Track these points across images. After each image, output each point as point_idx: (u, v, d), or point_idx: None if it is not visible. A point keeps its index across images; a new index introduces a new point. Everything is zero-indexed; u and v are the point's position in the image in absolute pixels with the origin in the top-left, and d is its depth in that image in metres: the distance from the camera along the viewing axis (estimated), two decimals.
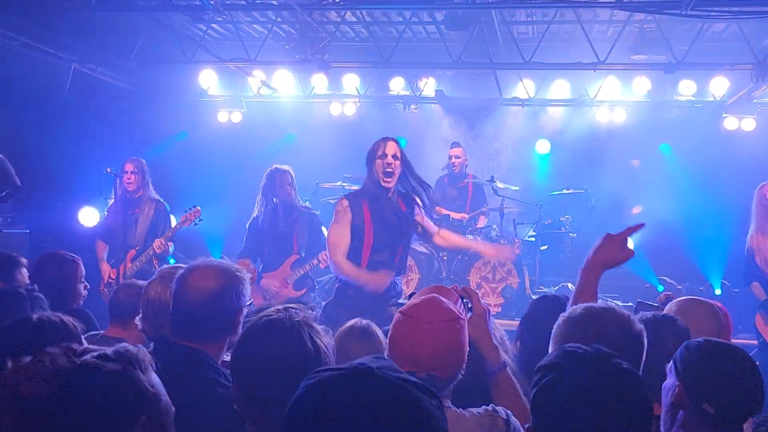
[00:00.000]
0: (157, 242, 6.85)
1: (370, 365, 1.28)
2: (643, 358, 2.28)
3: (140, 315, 3.04)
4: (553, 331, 2.35)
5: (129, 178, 7.07)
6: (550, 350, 2.22)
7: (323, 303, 5.26)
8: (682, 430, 2.24)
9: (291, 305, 2.17)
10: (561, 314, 2.38)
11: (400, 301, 4.76)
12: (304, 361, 1.96)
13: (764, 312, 6.26)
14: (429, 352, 2.21)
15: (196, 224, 6.95)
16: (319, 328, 2.12)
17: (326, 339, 2.11)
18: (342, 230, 4.92)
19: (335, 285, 5.15)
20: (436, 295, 2.39)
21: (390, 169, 4.88)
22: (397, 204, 5.05)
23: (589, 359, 1.74)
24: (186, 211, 6.93)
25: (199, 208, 6.89)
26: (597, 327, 2.24)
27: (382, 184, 4.91)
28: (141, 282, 4.11)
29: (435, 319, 2.25)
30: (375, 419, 1.20)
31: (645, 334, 2.32)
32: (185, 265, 2.70)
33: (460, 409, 2.31)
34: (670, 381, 2.31)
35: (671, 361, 2.33)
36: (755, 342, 6.45)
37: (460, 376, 2.31)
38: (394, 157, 4.92)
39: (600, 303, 2.39)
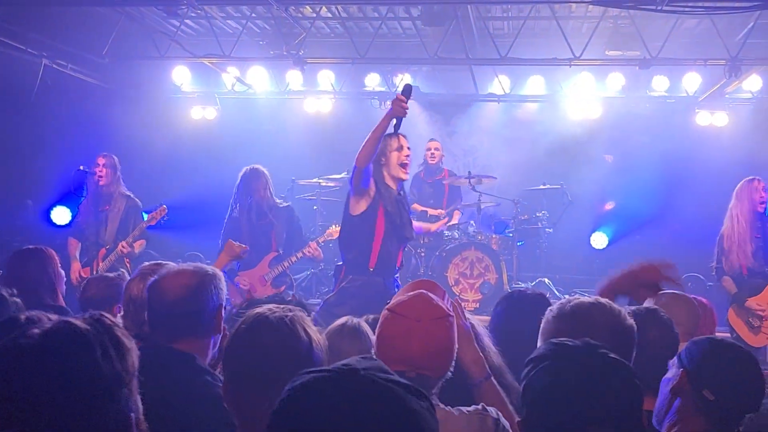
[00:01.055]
0: (121, 244, 6.75)
1: (356, 366, 1.25)
2: (634, 352, 2.28)
3: (121, 312, 2.99)
4: (541, 327, 2.33)
5: (101, 171, 6.98)
6: (538, 346, 2.20)
7: (323, 300, 5.33)
8: (676, 416, 2.25)
9: (286, 306, 2.15)
10: (549, 309, 2.36)
11: None
12: (297, 348, 1.94)
13: (736, 305, 6.33)
14: (419, 351, 2.16)
15: (161, 223, 6.85)
16: (311, 324, 2.09)
17: (318, 335, 2.08)
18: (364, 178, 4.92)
19: (340, 284, 5.11)
20: (424, 291, 2.33)
21: (408, 161, 5.04)
22: (404, 198, 5.16)
23: (578, 351, 1.73)
24: (151, 210, 6.86)
25: (165, 206, 6.80)
26: (586, 322, 2.22)
27: (402, 176, 5.04)
28: (110, 274, 4.06)
29: (424, 317, 2.20)
30: (360, 422, 1.17)
31: (635, 329, 2.31)
32: (166, 262, 2.67)
33: (449, 407, 2.28)
34: (672, 372, 2.33)
35: (676, 356, 2.35)
36: (729, 335, 6.51)
37: (450, 374, 2.27)
38: (409, 148, 5.08)
39: (590, 298, 2.38)
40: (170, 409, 2.24)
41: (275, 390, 1.86)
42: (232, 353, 2.02)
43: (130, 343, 1.40)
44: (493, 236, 8.72)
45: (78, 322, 1.34)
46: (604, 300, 2.35)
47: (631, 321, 2.32)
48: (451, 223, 8.83)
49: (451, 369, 2.28)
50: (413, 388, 1.27)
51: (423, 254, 8.51)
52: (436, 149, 9.06)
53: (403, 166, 4.98)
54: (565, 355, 1.73)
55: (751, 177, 6.47)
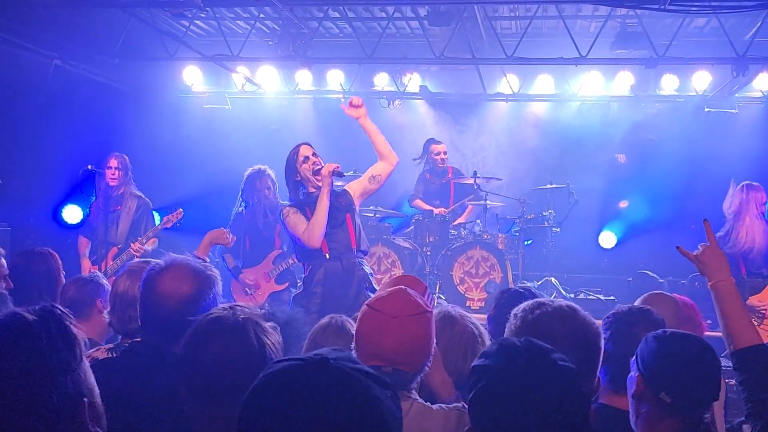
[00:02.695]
0: (134, 245, 6.81)
1: (326, 356, 1.30)
2: (600, 355, 2.23)
3: (108, 308, 3.04)
4: (506, 328, 2.31)
5: (113, 174, 7.04)
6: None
7: (292, 296, 5.42)
8: (645, 422, 2.24)
9: (238, 304, 2.17)
10: (513, 314, 2.32)
11: (374, 284, 5.26)
12: (248, 359, 1.96)
13: None
14: (394, 346, 2.19)
15: (177, 225, 6.94)
16: (266, 325, 2.11)
17: (273, 336, 2.11)
18: (298, 218, 5.09)
19: (303, 275, 5.32)
20: (403, 287, 2.36)
21: (318, 167, 5.09)
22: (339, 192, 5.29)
23: (520, 356, 1.67)
24: (168, 213, 6.92)
25: (181, 210, 6.88)
26: (548, 335, 2.13)
27: (317, 183, 5.08)
28: (84, 275, 4.14)
29: (401, 313, 2.23)
30: (326, 408, 1.22)
31: (600, 335, 2.27)
32: (153, 260, 2.69)
33: (428, 403, 2.32)
34: (633, 373, 2.30)
35: (635, 354, 2.33)
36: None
37: (427, 368, 2.30)
38: (314, 154, 5.15)
39: (557, 304, 2.30)
40: (159, 409, 2.32)
41: (228, 391, 1.93)
42: (186, 354, 2.05)
43: (79, 333, 1.46)
44: (499, 235, 8.73)
45: (26, 314, 1.41)
46: (567, 306, 2.28)
47: (596, 328, 2.26)
48: (465, 216, 8.89)
49: (429, 363, 2.30)
50: (377, 377, 1.32)
51: (429, 253, 8.54)
52: (445, 153, 9.09)
53: (315, 173, 5.09)
54: (506, 363, 1.67)
55: (752, 182, 6.46)
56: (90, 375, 1.51)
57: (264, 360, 1.98)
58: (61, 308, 1.47)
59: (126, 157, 7.22)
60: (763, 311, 6.10)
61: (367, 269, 5.32)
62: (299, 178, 5.14)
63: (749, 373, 2.46)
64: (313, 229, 4.99)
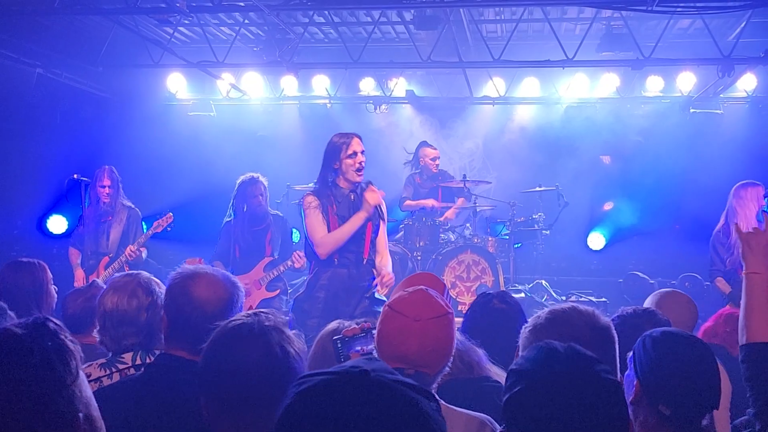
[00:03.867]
0: (128, 249, 6.77)
1: (365, 368, 1.24)
2: (617, 352, 2.21)
3: (97, 328, 2.95)
4: (520, 340, 2.26)
5: (108, 192, 7.00)
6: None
7: (293, 298, 5.27)
8: (641, 428, 2.19)
9: (262, 310, 2.12)
10: (525, 326, 2.28)
11: (375, 295, 5.03)
12: (271, 366, 1.91)
13: (733, 304, 6.27)
14: (417, 350, 2.16)
15: (167, 230, 6.88)
16: (290, 333, 2.07)
17: (298, 344, 2.06)
18: (317, 219, 4.94)
19: (307, 278, 5.20)
20: (423, 287, 2.32)
21: (362, 166, 4.95)
22: (355, 199, 5.05)
23: (562, 363, 1.62)
24: (158, 218, 6.88)
25: (171, 214, 6.84)
26: (565, 329, 2.14)
27: (354, 180, 4.95)
28: (83, 288, 4.04)
29: (424, 316, 2.19)
30: (373, 424, 1.16)
31: (612, 327, 2.24)
32: (134, 272, 2.63)
33: (451, 405, 2.29)
34: (631, 374, 2.26)
35: (631, 351, 2.28)
36: None
37: (447, 369, 2.27)
38: (363, 152, 4.97)
39: (562, 305, 2.29)
40: (180, 422, 2.23)
41: (250, 400, 1.87)
42: (208, 361, 2.00)
43: (75, 347, 1.40)
44: (490, 239, 8.71)
45: (16, 329, 1.34)
46: (579, 305, 2.26)
47: (606, 320, 2.24)
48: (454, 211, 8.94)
49: (449, 364, 2.27)
50: (423, 390, 1.26)
51: (419, 257, 8.51)
52: (439, 157, 9.08)
53: (358, 171, 4.94)
54: (549, 371, 1.61)
55: (752, 181, 6.34)
56: (86, 388, 1.44)
57: (287, 368, 1.93)
58: (55, 321, 1.40)
59: (115, 169, 7.16)
60: None
61: (373, 282, 5.11)
62: (337, 167, 4.95)
63: (757, 368, 2.43)
64: (330, 245, 4.89)
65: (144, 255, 6.96)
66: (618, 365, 2.22)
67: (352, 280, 4.97)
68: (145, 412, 1.49)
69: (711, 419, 2.51)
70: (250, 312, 2.10)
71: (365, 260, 5.05)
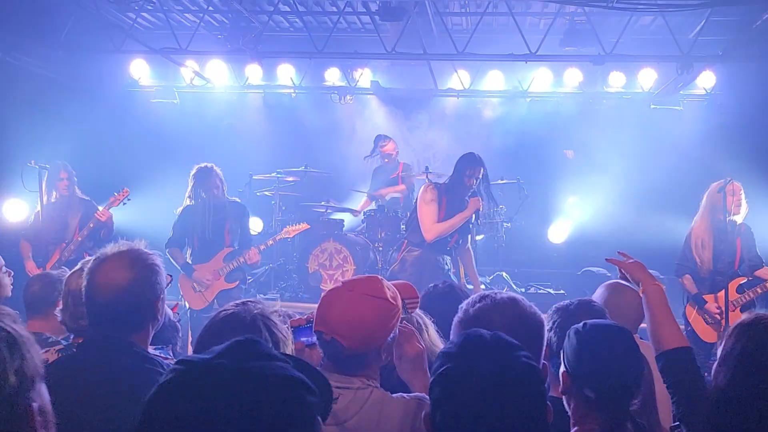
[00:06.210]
0: (97, 213, 6.83)
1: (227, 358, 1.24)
2: (543, 341, 2.30)
3: (60, 306, 2.95)
4: (453, 323, 2.34)
5: (66, 185, 7.13)
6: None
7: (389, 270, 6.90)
8: (574, 417, 2.26)
9: (250, 299, 2.27)
10: (459, 308, 2.35)
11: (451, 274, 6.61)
12: None
13: (695, 305, 6.34)
14: (337, 316, 2.24)
15: (124, 203, 6.94)
16: (276, 319, 2.21)
17: (283, 329, 2.22)
18: (432, 210, 6.47)
19: (401, 254, 6.77)
20: (380, 277, 2.40)
21: (475, 187, 6.50)
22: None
23: (486, 347, 1.70)
24: (114, 194, 6.91)
25: (127, 189, 6.93)
26: (484, 319, 2.22)
27: (466, 195, 6.52)
28: (54, 272, 4.01)
29: (358, 289, 2.28)
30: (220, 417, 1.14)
31: (543, 325, 2.32)
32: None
33: (388, 393, 2.32)
34: (562, 368, 2.33)
35: (562, 348, 2.36)
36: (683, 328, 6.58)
37: (371, 353, 2.29)
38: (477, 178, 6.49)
39: (500, 295, 2.34)
40: (112, 398, 2.32)
41: None
42: (200, 351, 2.05)
43: (29, 340, 1.39)
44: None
45: None
46: (508, 298, 2.31)
47: (538, 319, 2.30)
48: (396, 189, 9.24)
49: (379, 350, 2.30)
50: (291, 379, 1.23)
51: (380, 248, 8.53)
52: (394, 149, 9.26)
53: (472, 193, 6.59)
54: (476, 355, 1.68)
55: (728, 178, 6.37)
56: (40, 378, 1.44)
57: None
58: (8, 311, 1.39)
59: (68, 165, 7.23)
60: (717, 316, 6.15)
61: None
62: (463, 183, 6.43)
63: (674, 375, 2.52)
64: (437, 232, 6.45)
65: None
66: (543, 353, 2.30)
67: (437, 264, 6.53)
68: (64, 395, 1.50)
69: (651, 409, 2.57)
70: (238, 302, 2.23)
71: (449, 249, 6.69)
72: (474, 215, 6.58)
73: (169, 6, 9.05)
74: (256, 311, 2.20)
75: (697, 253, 6.33)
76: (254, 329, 2.12)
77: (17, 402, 1.31)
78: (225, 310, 2.21)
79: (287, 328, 2.30)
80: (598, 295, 3.47)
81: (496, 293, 2.34)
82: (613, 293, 3.44)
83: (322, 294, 2.38)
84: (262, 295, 8.78)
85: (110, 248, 2.58)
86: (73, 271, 3.03)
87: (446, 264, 6.61)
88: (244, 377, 1.18)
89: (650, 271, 2.86)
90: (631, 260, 2.90)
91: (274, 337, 2.15)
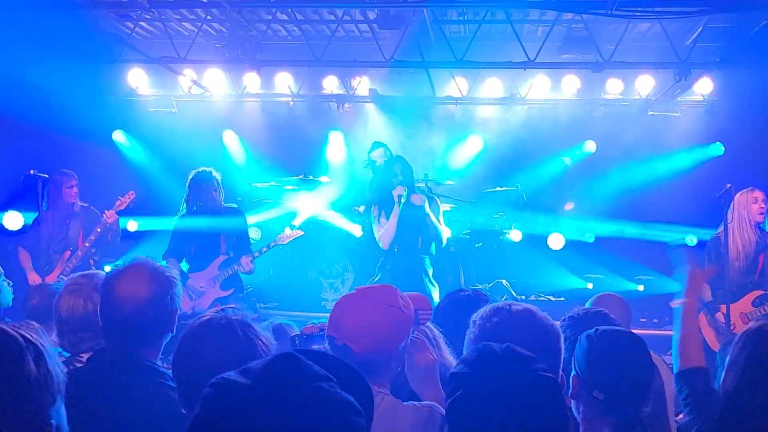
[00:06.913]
0: (105, 214, 6.84)
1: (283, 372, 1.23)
2: (561, 351, 2.23)
3: (55, 332, 2.91)
4: (466, 336, 2.29)
5: (75, 192, 7.13)
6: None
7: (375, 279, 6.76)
8: (584, 422, 2.26)
9: (230, 305, 2.30)
10: (473, 320, 2.30)
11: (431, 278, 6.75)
12: (238, 357, 1.98)
13: (707, 313, 6.25)
14: (350, 322, 2.27)
15: (130, 207, 6.98)
16: (256, 326, 2.21)
17: (264, 336, 2.21)
18: (377, 227, 6.86)
19: (378, 264, 6.91)
20: (394, 286, 2.42)
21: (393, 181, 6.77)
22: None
23: (500, 364, 1.66)
24: (119, 197, 6.95)
25: (132, 192, 6.97)
26: (502, 335, 2.12)
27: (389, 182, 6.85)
28: (51, 283, 3.99)
29: (371, 297, 2.31)
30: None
31: (559, 334, 2.25)
32: (91, 273, 2.64)
33: (399, 400, 2.32)
34: (572, 372, 2.33)
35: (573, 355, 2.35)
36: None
37: (380, 361, 2.28)
38: None
39: (513, 306, 2.28)
40: (125, 414, 2.31)
41: None
42: (180, 357, 2.13)
43: (55, 357, 1.38)
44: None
45: (8, 328, 1.32)
46: (524, 310, 2.26)
47: (556, 331, 2.24)
48: None
49: (390, 357, 2.31)
50: (338, 400, 1.23)
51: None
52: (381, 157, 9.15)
53: None
54: (489, 374, 1.66)
55: (751, 188, 6.24)
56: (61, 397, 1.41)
57: (253, 358, 1.97)
58: (35, 325, 1.38)
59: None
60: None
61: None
62: (384, 185, 6.88)
63: (696, 389, 2.53)
64: (382, 237, 6.74)
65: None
66: (561, 364, 2.23)
67: (410, 268, 6.77)
68: (76, 406, 1.49)
69: (658, 414, 2.57)
70: (217, 309, 2.23)
71: (420, 249, 6.89)
72: (399, 200, 6.62)
73: (167, 15, 9.06)
74: (234, 318, 2.18)
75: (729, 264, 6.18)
76: (232, 336, 2.11)
77: (39, 418, 1.30)
78: (201, 317, 2.20)
79: (270, 334, 2.29)
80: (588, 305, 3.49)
81: (511, 305, 2.28)
82: (598, 301, 3.46)
83: (335, 301, 2.40)
84: (261, 304, 8.75)
85: (126, 261, 2.59)
86: (59, 295, 2.97)
87: (425, 266, 6.81)
88: (291, 406, 1.13)
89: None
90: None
91: (252, 344, 2.13)
